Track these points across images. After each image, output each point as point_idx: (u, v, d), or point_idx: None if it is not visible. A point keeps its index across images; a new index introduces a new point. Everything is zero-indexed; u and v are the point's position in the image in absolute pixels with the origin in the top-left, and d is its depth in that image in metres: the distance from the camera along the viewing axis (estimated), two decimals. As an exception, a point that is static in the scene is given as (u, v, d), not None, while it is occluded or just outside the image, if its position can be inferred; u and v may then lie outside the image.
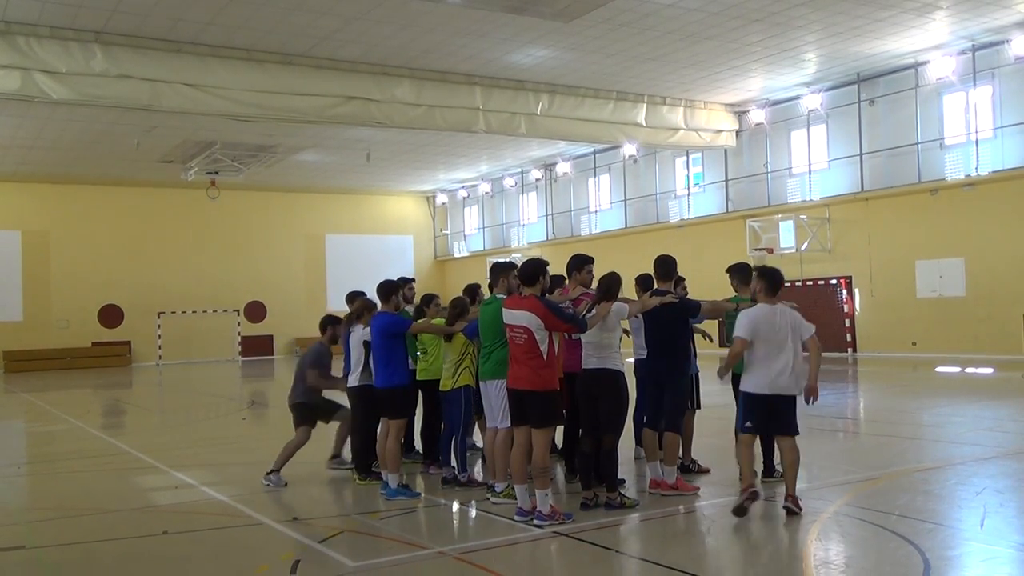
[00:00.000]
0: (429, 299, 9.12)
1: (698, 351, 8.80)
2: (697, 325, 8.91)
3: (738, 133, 27.25)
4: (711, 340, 8.87)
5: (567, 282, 8.36)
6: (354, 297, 9.35)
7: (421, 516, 7.52)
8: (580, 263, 8.15)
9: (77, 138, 27.04)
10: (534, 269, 7.16)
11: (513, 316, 7.00)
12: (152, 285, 36.09)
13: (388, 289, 8.37)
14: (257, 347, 38.34)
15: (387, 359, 8.18)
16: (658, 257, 8.11)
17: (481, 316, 7.77)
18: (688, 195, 29.66)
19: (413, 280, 10.15)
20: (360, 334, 8.62)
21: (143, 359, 36.11)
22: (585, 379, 7.34)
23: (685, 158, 29.99)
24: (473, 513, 7.44)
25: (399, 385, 8.20)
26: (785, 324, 6.91)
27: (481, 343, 7.81)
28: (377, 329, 8.25)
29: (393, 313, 8.35)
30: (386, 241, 41.24)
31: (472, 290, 9.56)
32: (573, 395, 7.72)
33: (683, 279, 8.91)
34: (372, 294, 8.89)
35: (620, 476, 7.54)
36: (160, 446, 12.23)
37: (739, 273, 8.56)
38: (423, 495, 8.11)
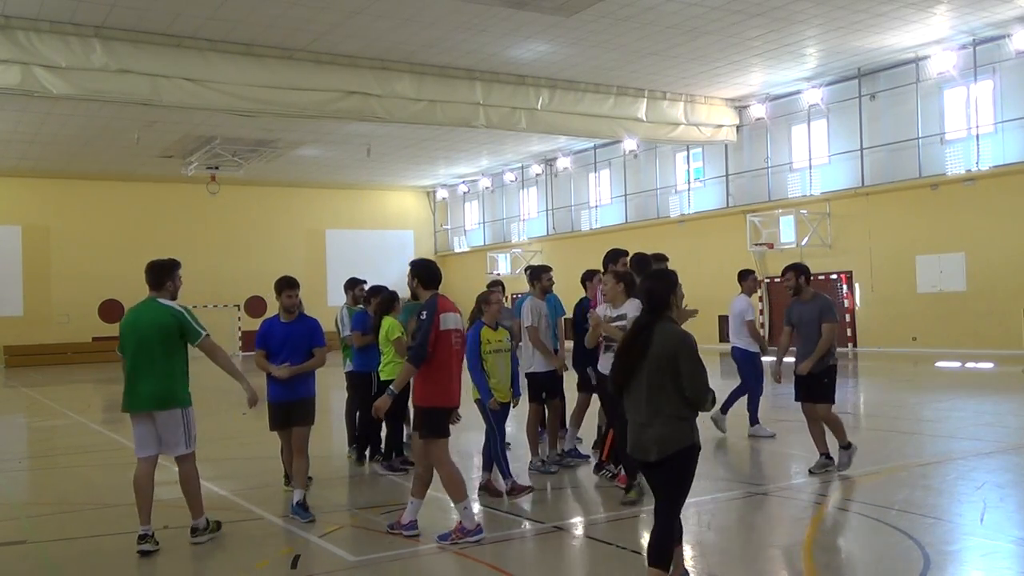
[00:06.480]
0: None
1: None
2: None
3: (739, 128, 27.21)
4: None
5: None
6: (354, 284, 10.02)
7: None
8: (615, 256, 8.23)
9: (77, 133, 27.03)
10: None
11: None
12: (152, 280, 36.01)
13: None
14: (258, 342, 38.29)
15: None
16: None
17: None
18: (688, 190, 29.63)
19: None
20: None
21: (144, 354, 36.04)
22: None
23: (685, 153, 29.96)
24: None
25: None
26: None
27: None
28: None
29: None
30: (386, 236, 41.19)
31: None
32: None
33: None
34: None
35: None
36: (161, 441, 12.20)
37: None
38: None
